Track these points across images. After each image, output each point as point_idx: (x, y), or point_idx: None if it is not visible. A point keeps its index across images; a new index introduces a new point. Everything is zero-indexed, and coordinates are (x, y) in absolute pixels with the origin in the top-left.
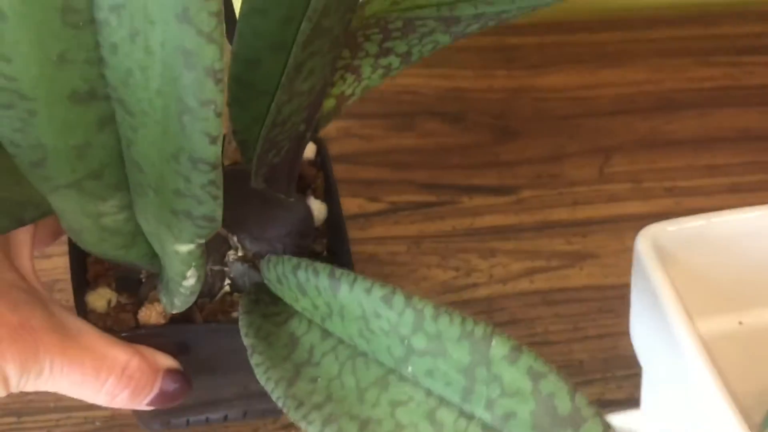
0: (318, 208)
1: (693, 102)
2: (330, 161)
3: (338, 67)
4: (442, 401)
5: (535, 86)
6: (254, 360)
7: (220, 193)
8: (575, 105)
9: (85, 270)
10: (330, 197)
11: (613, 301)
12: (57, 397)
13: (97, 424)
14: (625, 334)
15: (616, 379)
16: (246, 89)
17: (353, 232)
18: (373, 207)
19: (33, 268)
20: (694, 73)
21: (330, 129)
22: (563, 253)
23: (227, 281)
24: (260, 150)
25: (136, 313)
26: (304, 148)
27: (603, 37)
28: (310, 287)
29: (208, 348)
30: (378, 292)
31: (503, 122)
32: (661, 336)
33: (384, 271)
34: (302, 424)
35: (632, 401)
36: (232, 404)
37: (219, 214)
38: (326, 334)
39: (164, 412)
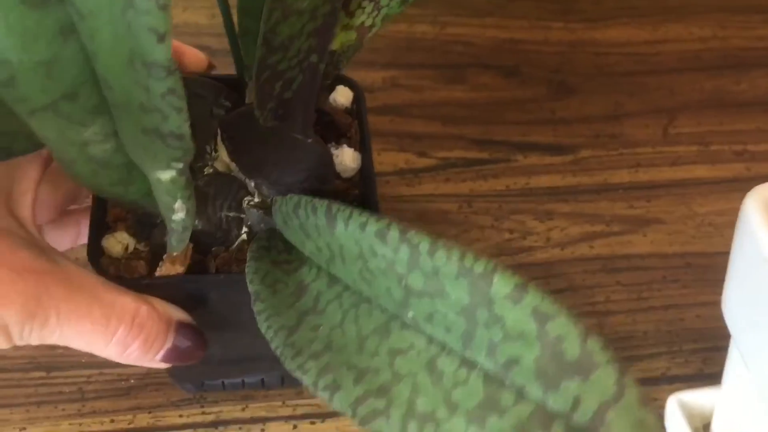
0: (351, 157)
1: (762, 61)
2: (365, 109)
3: None
4: (444, 348)
5: (594, 40)
6: (256, 307)
7: (182, 104)
8: (636, 61)
9: (105, 212)
10: (364, 147)
11: (679, 271)
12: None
13: (132, 381)
14: (693, 305)
15: (683, 353)
16: (254, 19)
17: (401, 188)
18: (422, 162)
19: (34, 218)
20: (764, 30)
21: (375, 78)
22: (625, 218)
23: (244, 229)
24: (258, 79)
25: (150, 261)
26: (318, 82)
27: None
28: (311, 226)
29: (225, 301)
30: (373, 227)
31: (560, 77)
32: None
33: (434, 230)
34: (297, 374)
35: (700, 377)
36: (272, 367)
37: (186, 129)
38: (333, 280)
39: (198, 372)
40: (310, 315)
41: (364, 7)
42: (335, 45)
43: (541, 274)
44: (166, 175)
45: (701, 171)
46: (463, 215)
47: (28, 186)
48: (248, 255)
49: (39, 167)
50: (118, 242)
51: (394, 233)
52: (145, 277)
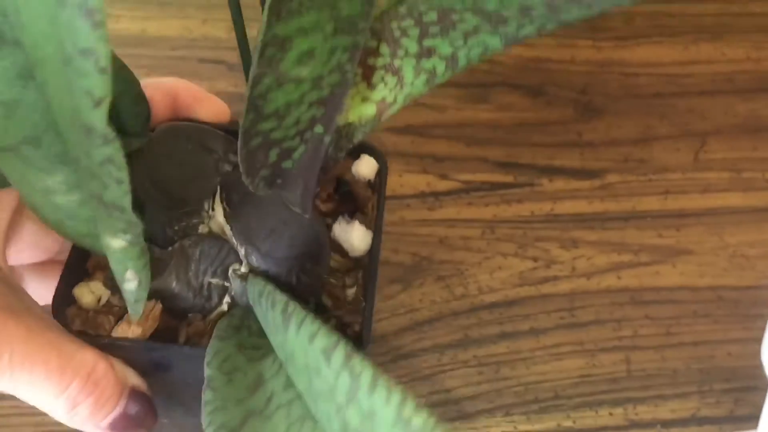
0: (361, 236)
1: None
2: (385, 187)
3: (377, 66)
4: None
5: (623, 60)
6: (206, 396)
7: (123, 175)
8: (667, 82)
9: (86, 257)
10: (377, 229)
11: (711, 305)
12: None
13: None
14: (724, 342)
15: (713, 393)
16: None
17: (422, 212)
18: (444, 185)
19: (4, 254)
20: None
21: None
22: (654, 248)
23: (227, 299)
24: (246, 144)
25: (121, 318)
26: (322, 155)
27: (699, 8)
28: (269, 320)
29: (184, 376)
30: (321, 341)
31: (587, 98)
32: None
33: (455, 258)
34: None
35: (732, 419)
36: None
37: (126, 203)
38: (290, 383)
39: None
40: (256, 418)
41: (387, 82)
42: (352, 117)
43: (565, 306)
44: (116, 242)
45: (733, 199)
46: (485, 242)
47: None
48: (214, 332)
49: (17, 196)
50: (91, 292)
51: (338, 355)
52: (107, 336)
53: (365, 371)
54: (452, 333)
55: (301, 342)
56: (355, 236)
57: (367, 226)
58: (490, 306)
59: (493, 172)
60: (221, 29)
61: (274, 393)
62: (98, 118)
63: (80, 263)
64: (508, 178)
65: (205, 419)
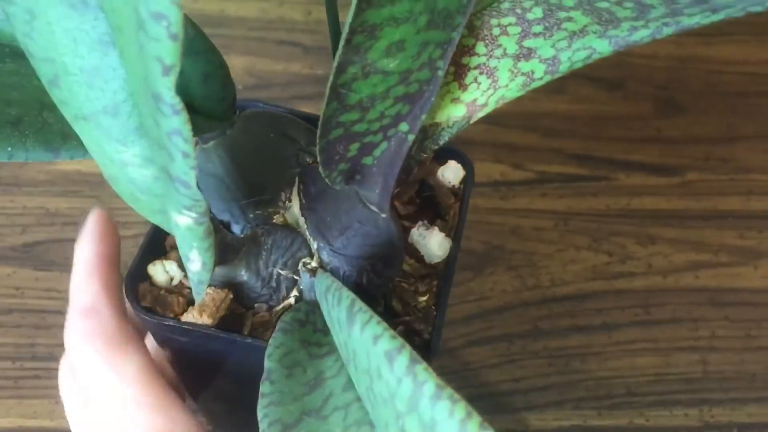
0: (439, 243)
1: None
2: (469, 196)
3: (471, 66)
4: None
5: (707, 56)
6: (263, 388)
7: (189, 149)
8: (752, 81)
9: (165, 235)
10: (457, 237)
11: None
12: None
13: None
14: None
15: None
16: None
17: (494, 201)
18: (518, 175)
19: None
20: None
21: None
22: (735, 248)
23: (294, 292)
24: (325, 134)
25: (192, 301)
26: (404, 154)
27: None
28: (334, 317)
29: (245, 366)
30: (384, 344)
31: (668, 94)
32: None
33: (527, 248)
34: None
35: None
36: None
37: (191, 178)
38: (350, 384)
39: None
40: (312, 417)
41: (480, 83)
42: (440, 117)
43: (640, 303)
44: (182, 220)
45: None
46: (558, 233)
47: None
48: (278, 325)
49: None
50: (165, 271)
51: (402, 360)
52: (173, 318)
53: (429, 380)
54: (522, 323)
55: (365, 343)
56: (433, 242)
57: (447, 234)
58: (561, 298)
59: (568, 164)
60: (298, 12)
61: (333, 393)
62: (167, 87)
63: (158, 241)
64: (584, 171)
65: (260, 412)
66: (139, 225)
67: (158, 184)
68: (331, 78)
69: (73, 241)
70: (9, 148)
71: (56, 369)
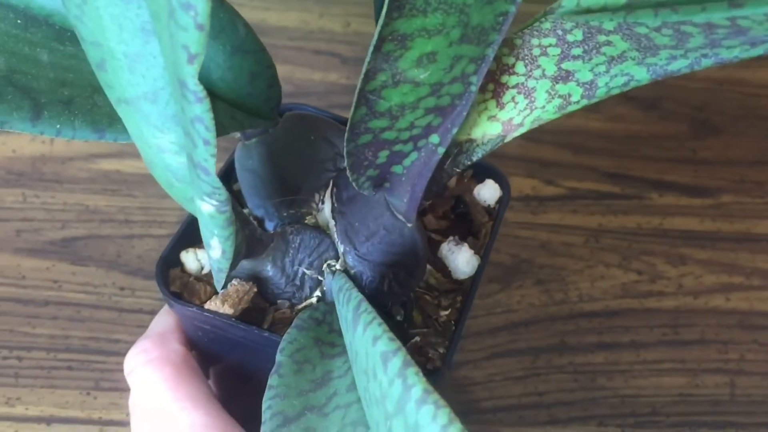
0: (467, 260)
1: None
2: (503, 216)
3: (510, 85)
4: None
5: (744, 80)
6: (271, 380)
7: (210, 137)
8: None
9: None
10: (485, 256)
11: None
12: None
13: None
14: None
15: None
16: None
17: (525, 215)
18: (549, 191)
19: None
20: None
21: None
22: (767, 272)
23: (317, 293)
24: (353, 139)
25: (216, 291)
26: (434, 166)
27: None
28: (343, 316)
29: (262, 359)
30: (382, 345)
31: (704, 115)
32: None
33: (556, 263)
34: None
35: None
36: None
37: (211, 166)
38: (353, 386)
39: (248, 419)
40: (313, 413)
41: (518, 102)
42: (475, 133)
43: (669, 322)
44: (204, 206)
45: None
46: (588, 250)
47: None
48: (294, 322)
49: None
50: (197, 259)
51: (396, 362)
52: (197, 305)
53: (418, 384)
54: (549, 337)
55: (365, 342)
56: (461, 259)
57: (476, 251)
58: (589, 314)
59: (600, 181)
60: (337, 23)
61: (337, 393)
62: (191, 74)
63: (193, 229)
64: (616, 189)
65: (265, 403)
66: (174, 225)
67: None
68: (359, 83)
69: (110, 237)
70: (58, 126)
71: (89, 361)
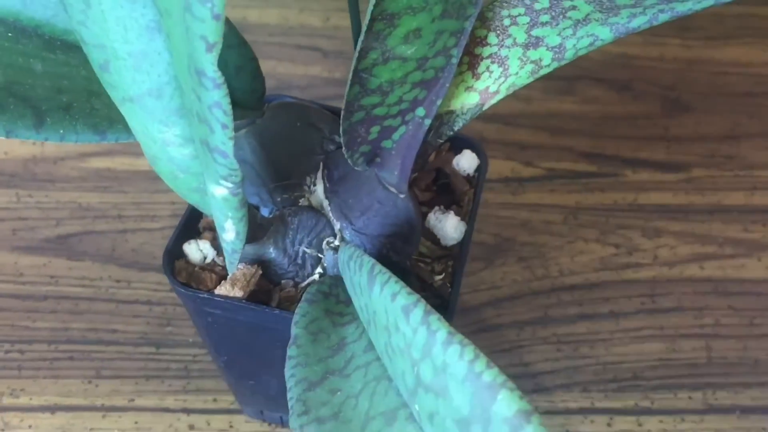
0: (454, 226)
1: None
2: (483, 183)
3: (484, 56)
4: None
5: (713, 59)
6: (290, 351)
7: (228, 120)
8: (757, 82)
9: (199, 218)
10: (471, 221)
11: None
12: (196, 332)
13: None
14: None
15: None
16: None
17: (505, 196)
18: (528, 172)
19: None
20: None
21: None
22: (739, 241)
23: (319, 269)
24: (348, 117)
25: (222, 277)
26: (421, 138)
27: None
28: (356, 282)
29: (278, 337)
30: (402, 299)
31: (674, 94)
32: None
33: (537, 241)
34: None
35: None
36: None
37: (229, 148)
38: (370, 347)
39: (258, 400)
40: (335, 376)
41: (492, 71)
42: (455, 104)
43: (646, 292)
44: (218, 190)
45: None
46: (567, 227)
47: None
48: (303, 296)
49: None
50: (199, 250)
51: (417, 312)
52: (207, 291)
53: (442, 329)
54: (532, 311)
55: (384, 301)
56: (449, 225)
57: (462, 218)
58: (570, 288)
59: (577, 161)
60: (317, 18)
61: (354, 355)
62: (210, 62)
63: (193, 222)
64: (592, 168)
65: (287, 372)
66: (166, 218)
67: (195, 162)
68: (353, 63)
69: (104, 233)
70: (61, 131)
71: (89, 351)
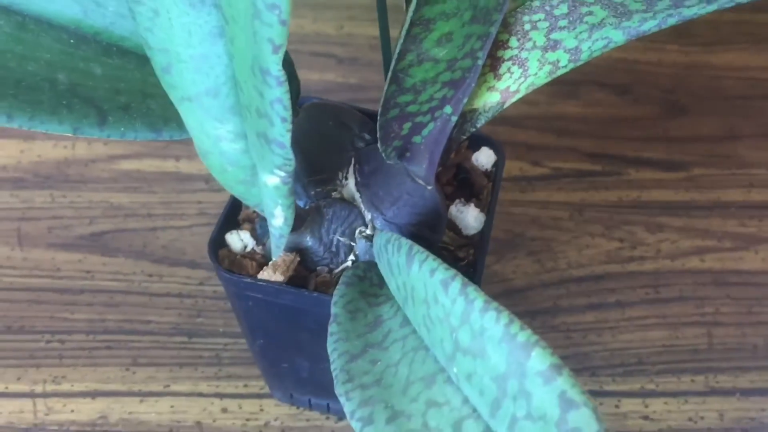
0: (475, 216)
1: None
2: (501, 176)
3: (505, 58)
4: (474, 412)
5: (709, 63)
6: (331, 328)
7: (288, 115)
8: (752, 86)
9: (238, 211)
10: (491, 212)
11: None
12: (226, 322)
13: None
14: None
15: None
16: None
17: (514, 194)
18: (536, 171)
19: None
20: None
21: None
22: (737, 235)
23: (351, 257)
24: (384, 114)
25: (261, 264)
26: (448, 133)
27: None
28: (394, 263)
29: (315, 320)
30: (440, 274)
31: (673, 97)
32: None
33: (545, 236)
34: (342, 399)
35: None
36: None
37: (287, 139)
38: (406, 322)
39: (288, 383)
40: (374, 348)
41: (513, 72)
42: (477, 103)
43: (650, 283)
44: (271, 179)
45: None
46: (574, 223)
47: None
48: (341, 279)
49: None
50: (240, 240)
51: (456, 284)
52: (250, 276)
53: (479, 298)
54: (543, 301)
55: (423, 276)
56: (470, 216)
57: (481, 210)
58: (578, 280)
59: (582, 161)
60: (330, 27)
61: (391, 330)
62: (275, 62)
63: (233, 215)
64: (597, 167)
65: (329, 346)
66: (194, 217)
67: (245, 156)
68: (392, 64)
69: (135, 230)
70: (122, 128)
71: (126, 341)
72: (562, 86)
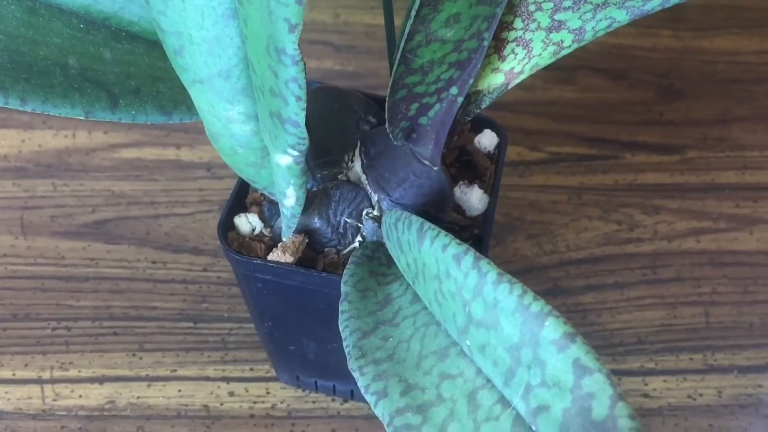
0: (479, 198)
1: None
2: (504, 158)
3: (509, 40)
4: (488, 382)
5: (702, 48)
6: (342, 307)
7: (302, 94)
8: (745, 70)
9: (246, 194)
10: (494, 192)
11: None
12: (230, 308)
13: None
14: None
15: None
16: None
17: (513, 178)
18: (534, 156)
19: None
20: None
21: None
22: (732, 216)
23: (359, 238)
24: (393, 95)
25: (270, 247)
26: (453, 114)
27: None
28: (404, 241)
29: (324, 300)
30: (453, 249)
31: (668, 82)
32: None
33: (544, 219)
34: (355, 374)
35: None
36: None
37: (301, 118)
38: (416, 298)
39: (295, 365)
40: (385, 325)
41: (517, 53)
42: (482, 85)
43: (647, 264)
44: (284, 159)
45: None
46: (572, 206)
47: None
48: (350, 259)
49: None
50: (248, 222)
51: (468, 259)
52: (260, 258)
53: (492, 270)
54: (542, 283)
55: (435, 252)
56: (474, 197)
57: (485, 191)
58: (577, 261)
59: (578, 145)
60: (327, 15)
61: (402, 307)
62: (292, 41)
63: (241, 198)
64: (593, 151)
65: (341, 324)
66: (195, 204)
67: (255, 138)
68: (401, 44)
69: (138, 218)
70: (133, 111)
71: (132, 327)
72: (557, 72)
